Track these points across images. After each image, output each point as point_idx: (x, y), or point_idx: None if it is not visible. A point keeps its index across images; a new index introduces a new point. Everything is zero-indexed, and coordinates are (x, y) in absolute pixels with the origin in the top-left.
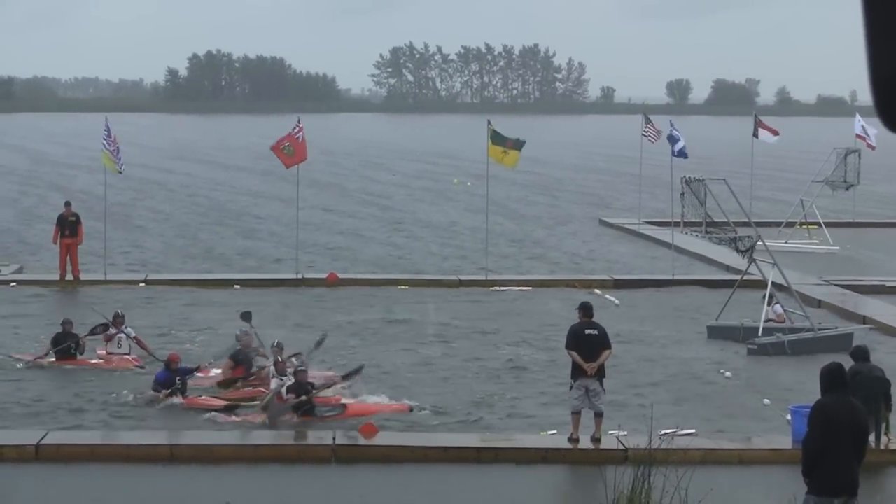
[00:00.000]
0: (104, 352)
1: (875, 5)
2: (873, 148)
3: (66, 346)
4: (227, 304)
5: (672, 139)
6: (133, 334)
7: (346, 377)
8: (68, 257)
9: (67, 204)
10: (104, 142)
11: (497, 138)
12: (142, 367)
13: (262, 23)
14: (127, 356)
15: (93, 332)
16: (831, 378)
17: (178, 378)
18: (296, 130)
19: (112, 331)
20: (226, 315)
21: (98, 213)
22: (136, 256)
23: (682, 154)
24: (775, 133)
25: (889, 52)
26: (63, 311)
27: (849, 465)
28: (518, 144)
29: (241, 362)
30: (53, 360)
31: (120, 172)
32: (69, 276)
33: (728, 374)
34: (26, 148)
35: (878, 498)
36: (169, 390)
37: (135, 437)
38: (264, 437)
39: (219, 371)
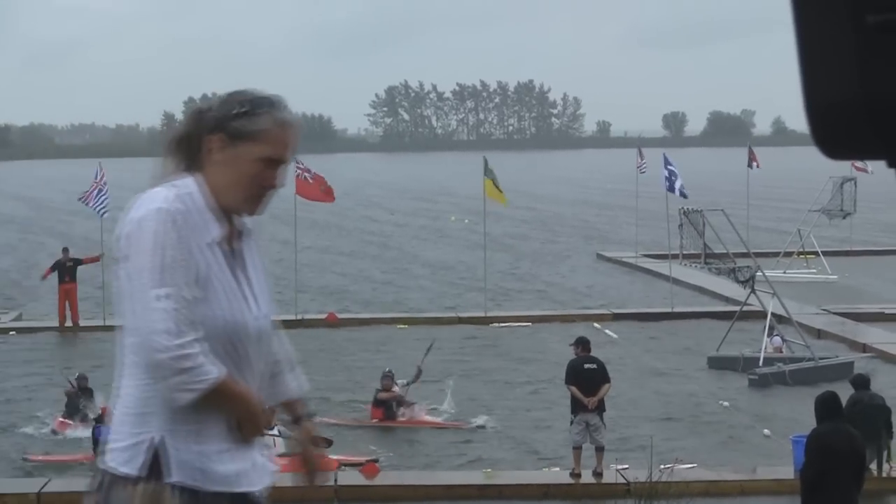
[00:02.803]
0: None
1: (809, 31)
2: (867, 171)
3: (82, 411)
4: None
5: (670, 179)
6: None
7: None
8: (67, 303)
9: (65, 250)
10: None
11: (490, 173)
12: None
13: (256, 65)
14: None
15: None
16: (826, 407)
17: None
18: (303, 171)
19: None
20: None
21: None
22: None
23: (682, 194)
24: (755, 161)
25: (823, 80)
26: (65, 359)
27: (847, 493)
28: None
29: None
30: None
31: (103, 215)
32: (68, 322)
33: (726, 404)
34: (24, 195)
35: None
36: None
37: None
38: None
39: None
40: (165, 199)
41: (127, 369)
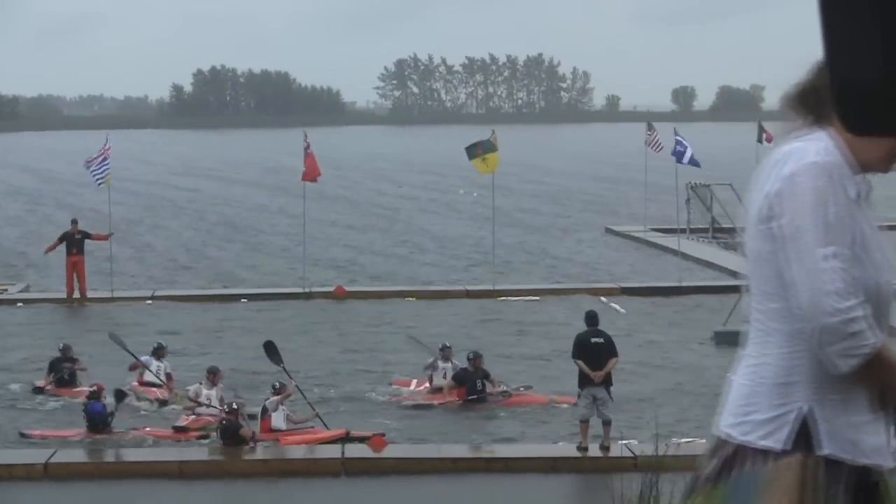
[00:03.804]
0: (137, 382)
1: (835, 9)
2: None
3: (60, 374)
4: (238, 319)
5: (678, 154)
6: (168, 370)
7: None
8: (75, 275)
9: (74, 221)
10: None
11: (469, 151)
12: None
13: (266, 38)
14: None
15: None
16: None
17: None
18: (306, 147)
19: (154, 362)
20: (235, 329)
21: (105, 230)
22: (143, 272)
23: (693, 163)
24: (767, 137)
25: (848, 57)
26: (71, 331)
27: None
28: (488, 146)
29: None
30: (52, 387)
31: (98, 184)
32: (76, 294)
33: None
34: (33, 167)
35: None
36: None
37: (143, 453)
38: (274, 452)
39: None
40: (817, 152)
41: (763, 336)
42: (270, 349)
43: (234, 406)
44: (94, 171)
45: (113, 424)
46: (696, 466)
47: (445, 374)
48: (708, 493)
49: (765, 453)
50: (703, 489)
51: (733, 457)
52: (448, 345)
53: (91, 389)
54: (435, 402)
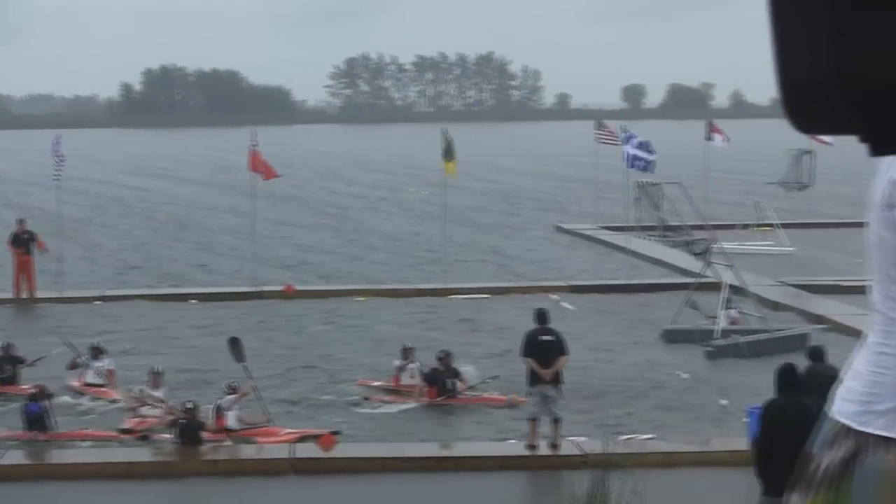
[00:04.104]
0: (78, 383)
1: (783, 6)
2: (831, 143)
3: (3, 374)
4: (188, 318)
5: (635, 158)
6: (110, 367)
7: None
8: (23, 275)
9: (20, 221)
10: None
11: (450, 151)
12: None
13: (216, 36)
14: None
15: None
16: (782, 378)
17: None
18: (253, 145)
19: (90, 361)
20: (183, 330)
21: (53, 229)
22: (92, 272)
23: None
24: (723, 136)
25: (798, 55)
26: (19, 331)
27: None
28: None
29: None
30: None
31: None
32: (24, 294)
33: (685, 375)
34: None
35: None
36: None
37: (91, 454)
38: (223, 452)
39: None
40: None
41: (888, 325)
42: (235, 345)
43: (190, 406)
44: (56, 167)
45: (53, 425)
46: (803, 460)
47: (413, 374)
48: (835, 488)
49: (886, 443)
50: (826, 485)
51: (855, 448)
52: (410, 346)
53: (31, 391)
54: (410, 403)
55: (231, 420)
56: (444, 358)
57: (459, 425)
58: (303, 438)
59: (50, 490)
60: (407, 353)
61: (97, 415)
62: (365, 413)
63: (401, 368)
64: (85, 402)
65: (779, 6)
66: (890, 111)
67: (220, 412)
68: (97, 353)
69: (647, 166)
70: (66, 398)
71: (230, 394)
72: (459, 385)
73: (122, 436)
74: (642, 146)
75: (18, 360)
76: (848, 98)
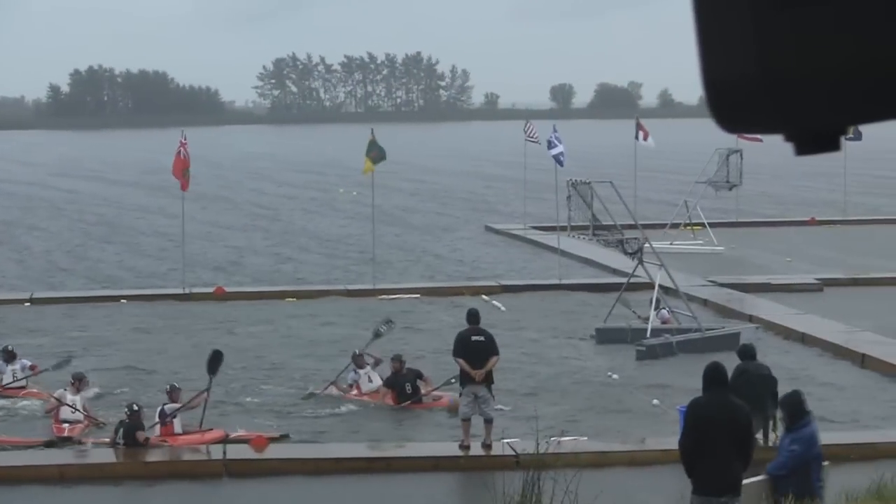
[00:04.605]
0: None
1: (707, 6)
2: (761, 140)
3: None
4: (118, 320)
5: (550, 144)
6: (28, 363)
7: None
8: None
9: None
10: None
11: (371, 147)
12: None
13: (143, 37)
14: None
15: None
16: (709, 376)
17: None
18: (182, 147)
19: (3, 365)
20: (114, 332)
21: None
22: (21, 274)
23: (557, 161)
24: (645, 134)
25: (721, 55)
26: None
27: (728, 464)
28: (378, 157)
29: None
30: None
31: None
32: None
33: (615, 376)
34: None
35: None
36: None
37: (22, 457)
38: (156, 454)
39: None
40: None
41: None
42: (215, 359)
43: (136, 408)
44: None
45: None
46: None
47: (370, 378)
48: None
49: None
50: None
51: None
52: (358, 351)
53: None
54: (372, 403)
55: (177, 426)
56: (394, 361)
57: (407, 426)
58: (234, 441)
59: None
60: (358, 360)
61: (19, 419)
62: (307, 416)
63: (354, 377)
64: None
65: (701, 5)
66: (811, 109)
67: (165, 418)
68: (9, 356)
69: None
70: None
71: (170, 396)
72: (423, 386)
73: (30, 441)
74: (557, 159)
75: None
76: (770, 96)
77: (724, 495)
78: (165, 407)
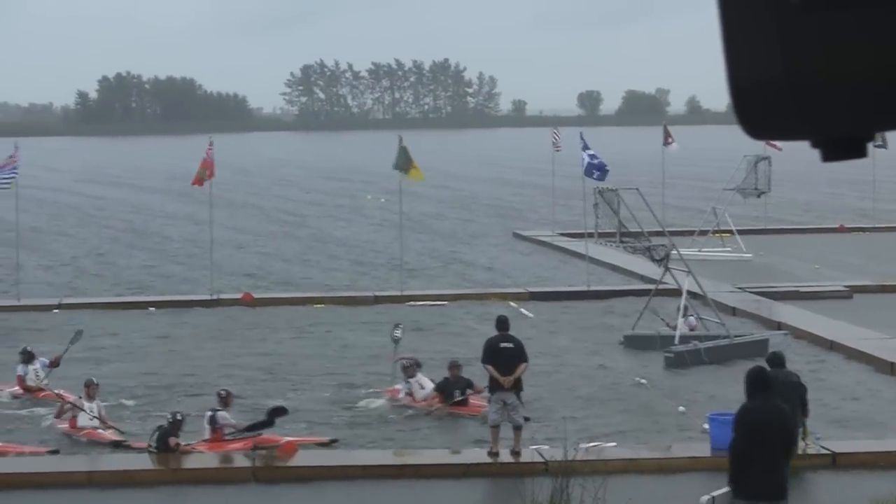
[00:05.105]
0: (19, 389)
1: (732, 12)
2: (779, 148)
3: None
4: (146, 326)
5: (590, 167)
6: (46, 361)
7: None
8: None
9: None
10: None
11: (404, 156)
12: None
13: (171, 44)
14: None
15: None
16: (753, 382)
17: None
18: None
19: (22, 368)
20: (142, 338)
21: (10, 238)
22: (50, 280)
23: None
24: (671, 140)
25: (746, 60)
26: None
27: (775, 468)
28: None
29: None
30: None
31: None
32: None
33: (644, 382)
34: None
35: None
36: None
37: (51, 462)
38: (184, 461)
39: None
40: None
41: None
42: (277, 411)
43: (179, 417)
44: (1, 176)
45: None
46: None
47: (421, 385)
48: None
49: None
50: None
51: None
52: (407, 363)
53: None
54: (431, 408)
55: (226, 430)
56: (451, 368)
57: (436, 433)
58: (263, 447)
59: (12, 500)
60: (407, 371)
61: (33, 423)
62: (337, 422)
63: (409, 387)
64: (23, 408)
65: (727, 12)
66: (837, 116)
67: (215, 424)
68: (28, 356)
69: (601, 176)
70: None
71: (224, 401)
72: (470, 395)
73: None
74: (594, 158)
75: None
76: (795, 101)
77: (768, 500)
78: (218, 415)
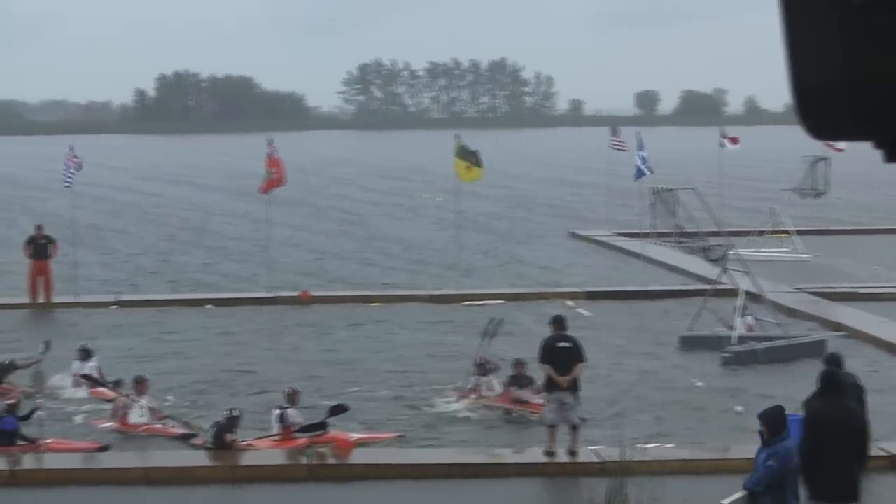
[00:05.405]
0: (74, 385)
1: (794, 13)
2: (841, 150)
3: None
4: (203, 326)
5: (638, 172)
6: (97, 369)
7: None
8: (40, 280)
9: (38, 227)
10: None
11: (463, 152)
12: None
13: (229, 42)
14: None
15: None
16: (825, 382)
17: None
18: (271, 151)
19: (79, 365)
20: (200, 336)
21: (68, 235)
22: (108, 277)
23: (640, 172)
24: (735, 142)
25: (809, 61)
26: (33, 335)
27: (846, 469)
28: (479, 161)
29: None
30: None
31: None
32: (40, 299)
33: (700, 383)
34: None
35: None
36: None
37: (109, 459)
38: (240, 458)
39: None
40: None
41: None
42: (337, 409)
43: (237, 413)
44: (67, 173)
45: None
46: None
47: (490, 387)
48: None
49: None
50: None
51: None
52: (480, 360)
53: (8, 402)
54: (512, 412)
55: (295, 428)
56: (519, 366)
57: (493, 432)
58: (319, 444)
59: (72, 496)
60: (481, 368)
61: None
62: (398, 421)
63: (476, 385)
64: (75, 405)
65: (789, 13)
66: None
67: (285, 421)
68: (85, 354)
69: (638, 174)
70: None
71: (291, 399)
72: (531, 394)
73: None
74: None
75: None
76: (856, 102)
77: (840, 501)
78: (287, 412)
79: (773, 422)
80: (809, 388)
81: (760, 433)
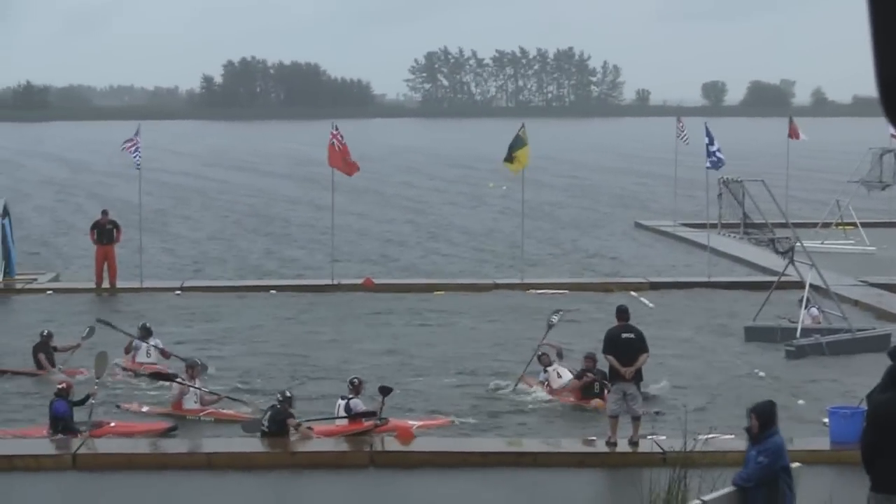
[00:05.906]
0: (129, 363)
1: (880, 7)
2: None
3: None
4: (267, 310)
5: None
6: (160, 345)
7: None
8: (105, 265)
9: (104, 212)
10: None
11: (518, 143)
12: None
13: (296, 29)
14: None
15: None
16: (888, 376)
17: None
18: (335, 137)
19: (137, 343)
20: (262, 321)
21: (135, 220)
22: (172, 263)
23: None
24: (797, 137)
25: (894, 55)
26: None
27: None
28: (517, 143)
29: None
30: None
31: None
32: (105, 284)
33: (762, 374)
34: (63, 157)
35: None
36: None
37: (172, 444)
38: (302, 444)
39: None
40: None
41: None
42: (383, 391)
43: (289, 395)
44: (135, 154)
45: (78, 426)
46: None
47: (559, 373)
48: None
49: None
50: None
51: None
52: (541, 352)
53: (59, 387)
54: (559, 401)
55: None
56: (589, 360)
57: (556, 422)
58: (382, 431)
59: (133, 480)
60: (543, 360)
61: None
62: (464, 408)
63: (546, 376)
64: (134, 383)
65: (876, 9)
66: None
67: (351, 411)
68: (145, 333)
69: (717, 163)
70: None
71: (355, 390)
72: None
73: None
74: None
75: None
76: None
77: None
78: (352, 402)
79: (765, 416)
80: (872, 383)
81: (748, 429)
